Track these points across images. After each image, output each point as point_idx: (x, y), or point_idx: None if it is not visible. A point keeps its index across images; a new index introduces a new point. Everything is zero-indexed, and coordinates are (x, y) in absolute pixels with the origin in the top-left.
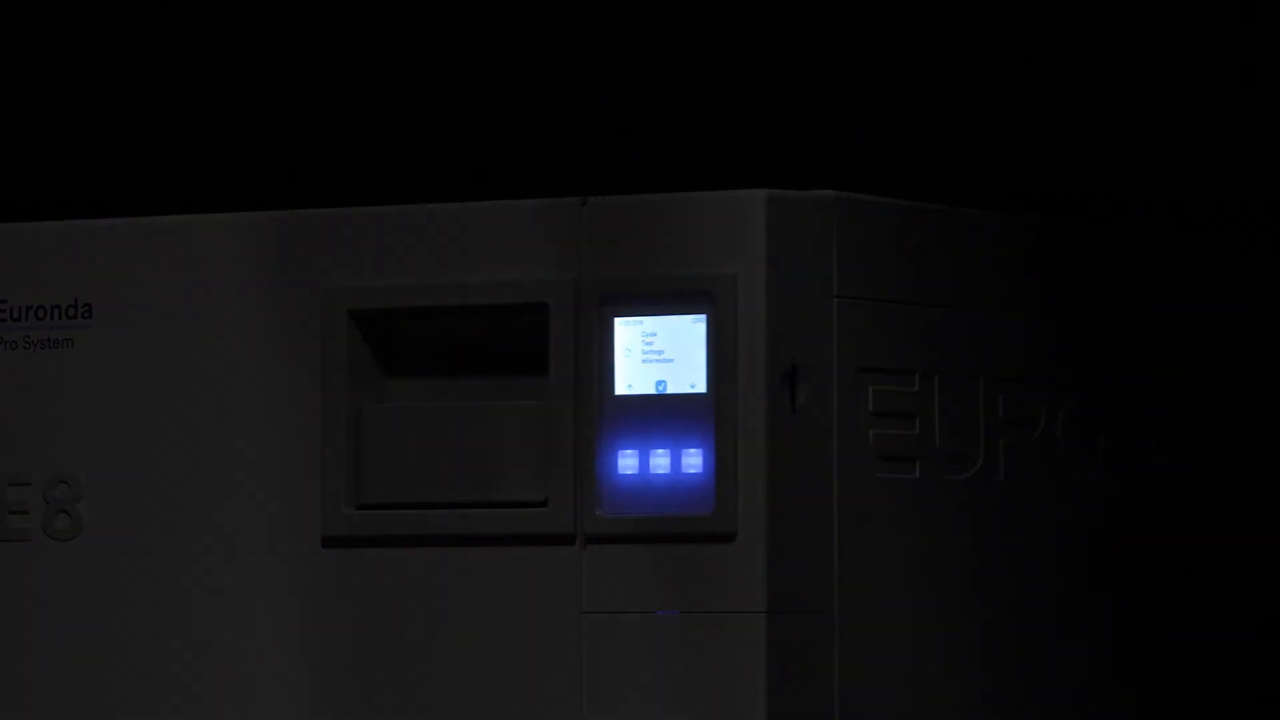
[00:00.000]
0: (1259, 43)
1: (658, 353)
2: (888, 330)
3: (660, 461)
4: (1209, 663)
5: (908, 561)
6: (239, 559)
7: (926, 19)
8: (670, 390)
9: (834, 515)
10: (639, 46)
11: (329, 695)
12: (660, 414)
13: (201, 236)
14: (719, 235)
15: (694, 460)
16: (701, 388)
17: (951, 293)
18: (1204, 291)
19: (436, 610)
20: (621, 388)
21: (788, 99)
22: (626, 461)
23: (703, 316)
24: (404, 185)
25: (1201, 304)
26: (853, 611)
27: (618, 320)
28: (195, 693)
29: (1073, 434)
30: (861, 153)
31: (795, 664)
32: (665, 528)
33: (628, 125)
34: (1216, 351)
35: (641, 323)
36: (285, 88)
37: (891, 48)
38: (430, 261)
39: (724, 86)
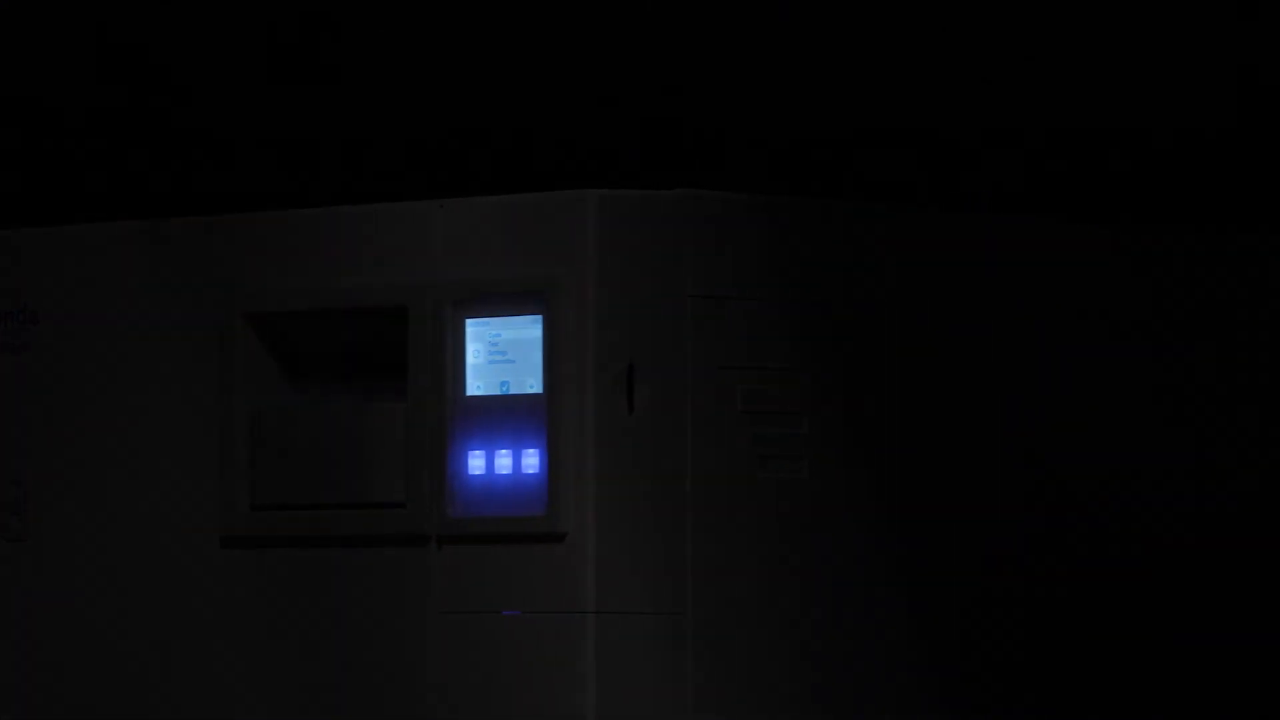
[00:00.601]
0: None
1: (502, 354)
2: (755, 327)
3: (504, 462)
4: (1058, 652)
5: (774, 561)
6: (146, 558)
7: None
8: (512, 391)
9: (687, 515)
10: (537, 47)
11: (220, 692)
12: (504, 415)
13: (106, 243)
14: (556, 236)
15: (532, 461)
16: (538, 388)
17: (816, 287)
18: (1065, 284)
19: (309, 609)
20: (472, 389)
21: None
22: (475, 462)
23: (539, 317)
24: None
25: (1063, 296)
26: (704, 611)
27: (469, 322)
28: (124, 691)
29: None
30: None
31: (627, 664)
32: (504, 528)
33: (532, 124)
34: (1067, 344)
35: (489, 325)
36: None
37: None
38: (310, 265)
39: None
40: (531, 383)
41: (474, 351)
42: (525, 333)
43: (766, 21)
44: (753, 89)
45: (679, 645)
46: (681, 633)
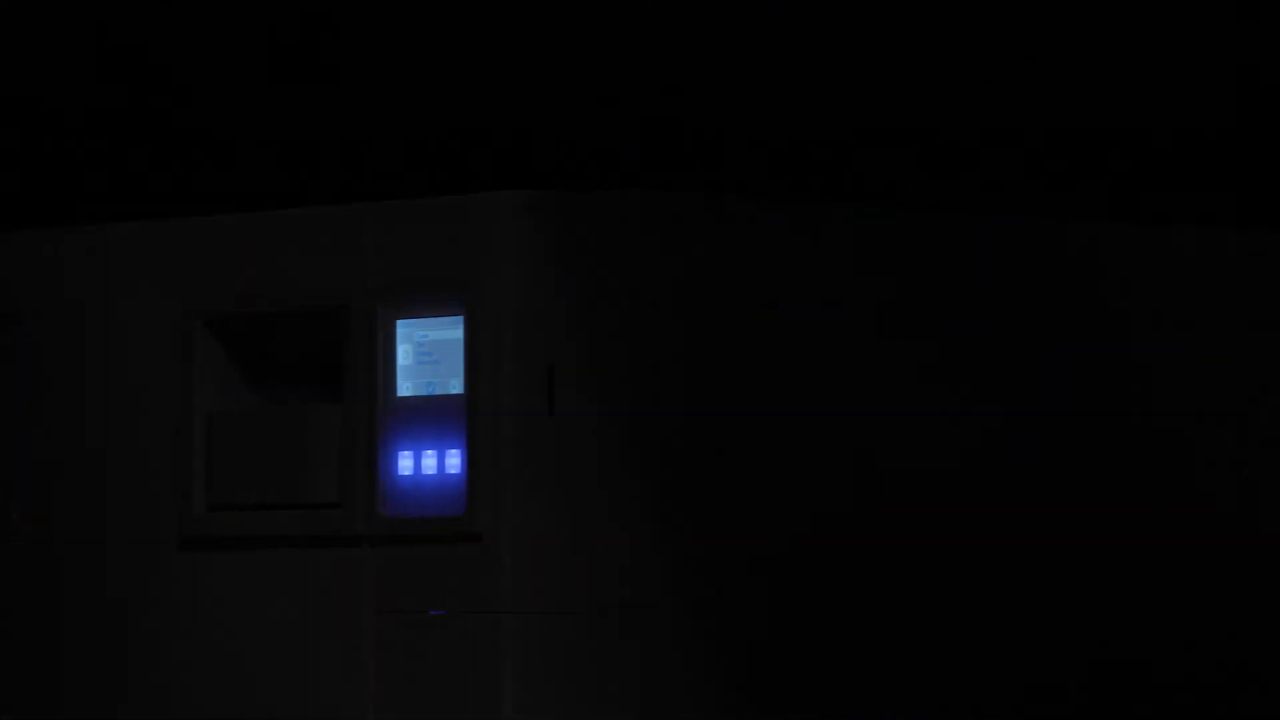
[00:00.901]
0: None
1: (428, 355)
2: (679, 327)
3: (429, 463)
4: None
5: (692, 560)
6: (112, 558)
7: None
8: (437, 392)
9: (607, 515)
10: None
11: (179, 689)
12: (429, 416)
13: (69, 248)
14: (478, 238)
15: (455, 461)
16: (460, 389)
17: (739, 285)
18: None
19: (261, 608)
20: (402, 390)
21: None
22: (405, 463)
23: (460, 319)
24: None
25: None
26: (622, 610)
27: (399, 323)
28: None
29: None
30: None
31: (543, 664)
32: (428, 529)
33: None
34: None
35: (416, 326)
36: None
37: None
38: (251, 269)
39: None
40: (455, 384)
41: (404, 352)
42: (449, 334)
43: (766, 21)
44: (753, 89)
45: (596, 644)
46: (599, 632)
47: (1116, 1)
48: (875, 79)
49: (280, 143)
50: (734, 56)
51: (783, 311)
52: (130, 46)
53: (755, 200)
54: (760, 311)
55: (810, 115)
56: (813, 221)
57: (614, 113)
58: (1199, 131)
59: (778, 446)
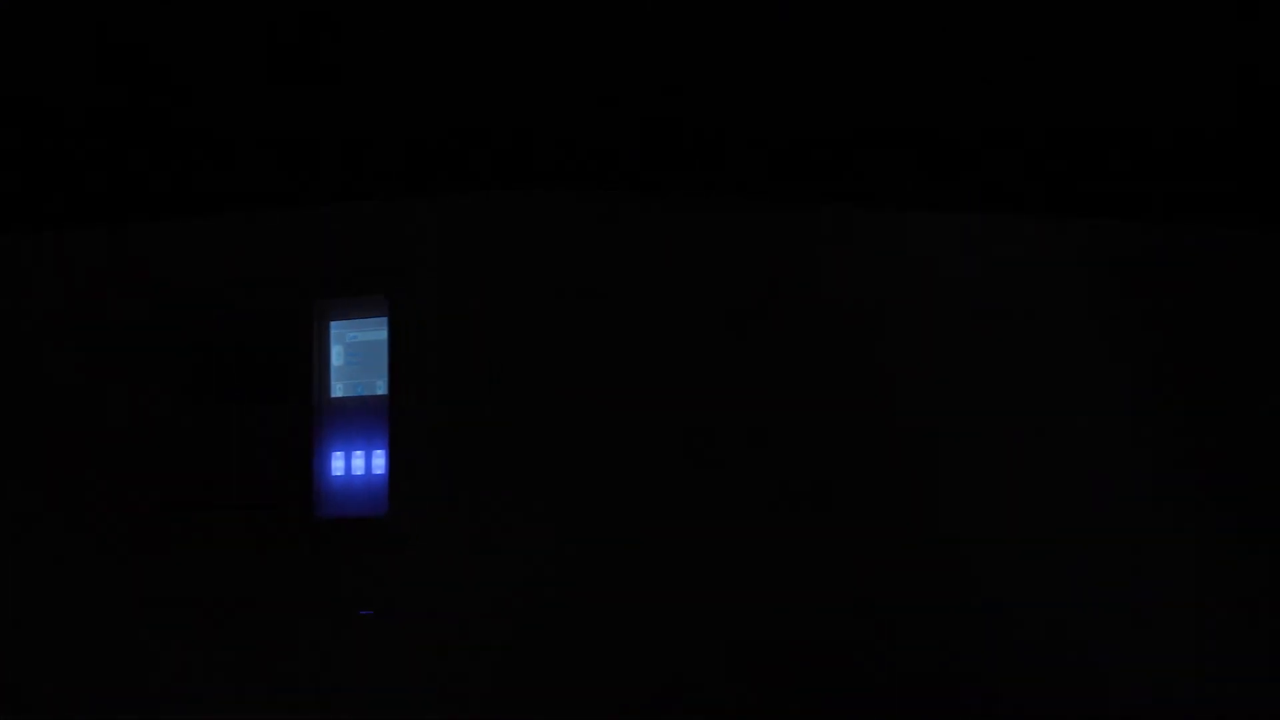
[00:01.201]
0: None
1: (357, 357)
2: (600, 325)
3: (358, 463)
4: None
5: (612, 559)
6: (64, 556)
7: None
8: (364, 393)
9: (526, 514)
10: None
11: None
12: (357, 417)
13: (46, 252)
14: (401, 242)
15: (380, 461)
16: (384, 390)
17: (660, 283)
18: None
19: (209, 605)
20: (335, 391)
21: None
22: (337, 463)
23: (384, 320)
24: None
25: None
26: (539, 609)
27: (332, 325)
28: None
29: None
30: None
31: (464, 661)
32: (356, 528)
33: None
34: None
35: (347, 328)
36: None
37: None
38: (194, 273)
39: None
40: (380, 385)
41: (336, 354)
42: (375, 335)
43: (766, 21)
44: (753, 89)
45: (515, 642)
46: (518, 629)
47: (1116, 1)
48: (875, 79)
49: (280, 143)
50: (734, 56)
51: (696, 308)
52: (130, 46)
53: (687, 198)
54: (684, 309)
55: (810, 115)
56: (735, 219)
57: (614, 113)
58: (1199, 131)
59: (696, 444)
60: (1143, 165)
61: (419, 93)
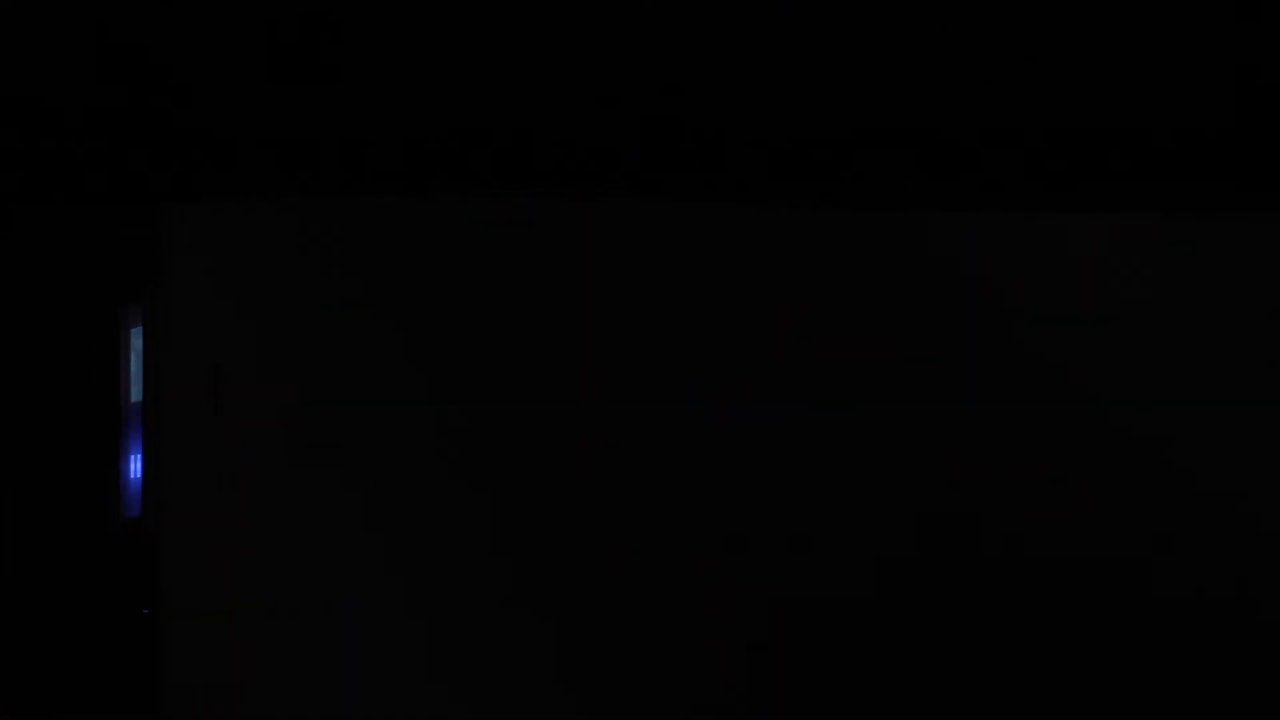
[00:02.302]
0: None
1: (137, 362)
2: (337, 326)
3: (135, 467)
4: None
5: (377, 553)
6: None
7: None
8: (134, 399)
9: (276, 513)
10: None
11: None
12: (137, 421)
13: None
14: (150, 250)
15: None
16: (139, 396)
17: (403, 287)
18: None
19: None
20: (135, 395)
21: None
22: (134, 467)
23: (139, 329)
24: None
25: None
26: (296, 609)
27: (132, 332)
28: None
29: None
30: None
31: (212, 662)
32: (131, 530)
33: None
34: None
35: (137, 335)
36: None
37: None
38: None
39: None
40: (138, 390)
41: (133, 360)
42: (138, 342)
43: (766, 21)
44: (753, 89)
45: (268, 642)
46: (272, 629)
47: (1117, 1)
48: (875, 79)
49: (280, 143)
50: (734, 56)
51: (463, 307)
52: (130, 46)
53: (451, 201)
54: (432, 309)
55: (810, 115)
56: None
57: (614, 113)
58: (1199, 131)
59: (475, 440)
60: (1142, 165)
61: (419, 93)
